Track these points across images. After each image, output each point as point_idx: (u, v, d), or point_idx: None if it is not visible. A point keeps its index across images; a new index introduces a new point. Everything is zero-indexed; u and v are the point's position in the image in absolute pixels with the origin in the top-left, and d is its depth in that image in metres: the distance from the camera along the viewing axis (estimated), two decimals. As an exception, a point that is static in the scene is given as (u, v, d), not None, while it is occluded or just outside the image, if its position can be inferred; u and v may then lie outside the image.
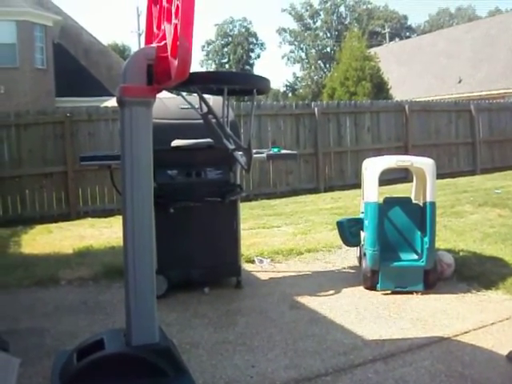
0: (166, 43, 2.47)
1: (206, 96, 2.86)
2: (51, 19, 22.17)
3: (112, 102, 11.30)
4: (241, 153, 2.83)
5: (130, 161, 2.57)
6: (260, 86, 2.79)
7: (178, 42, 2.25)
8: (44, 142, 9.39)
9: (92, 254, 6.10)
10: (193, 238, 4.56)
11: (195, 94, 2.89)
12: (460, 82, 27.21)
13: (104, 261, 5.57)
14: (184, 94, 3.39)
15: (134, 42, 70.00)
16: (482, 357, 3.26)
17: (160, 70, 2.47)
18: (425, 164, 4.59)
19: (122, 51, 42.92)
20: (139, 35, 34.39)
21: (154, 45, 2.60)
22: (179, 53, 2.23)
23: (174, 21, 2.38)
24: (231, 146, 2.78)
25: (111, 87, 21.11)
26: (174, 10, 2.41)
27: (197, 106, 2.97)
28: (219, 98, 2.96)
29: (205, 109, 2.78)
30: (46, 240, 7.24)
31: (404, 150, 12.57)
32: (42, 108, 11.79)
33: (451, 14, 60.58)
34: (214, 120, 2.76)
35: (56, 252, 6.31)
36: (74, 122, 9.55)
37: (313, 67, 54.78)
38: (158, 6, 2.77)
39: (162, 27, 2.61)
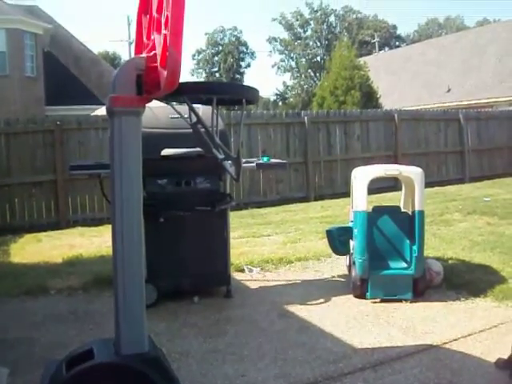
0: (155, 53, 2.47)
1: (195, 106, 2.87)
2: (41, 27, 22.15)
3: (102, 111, 11.27)
4: (230, 162, 2.84)
5: (119, 170, 2.57)
6: (249, 96, 2.81)
7: (167, 53, 2.26)
8: (34, 151, 9.36)
9: (82, 263, 6.08)
10: (182, 247, 4.56)
11: (185, 104, 2.91)
12: (449, 91, 27.43)
13: (94, 270, 5.55)
14: (173, 103, 3.40)
15: (124, 50, 70.01)
16: (470, 364, 3.28)
17: (150, 80, 2.47)
18: (413, 173, 4.62)
19: (112, 59, 42.95)
20: (129, 44, 34.42)
21: (144, 55, 2.61)
22: (168, 63, 2.24)
23: (163, 31, 2.39)
24: (220, 156, 2.79)
25: (101, 96, 21.09)
26: (163, 21, 2.43)
27: (186, 116, 2.98)
28: (209, 108, 2.97)
29: (194, 119, 2.79)
30: (35, 249, 7.20)
31: (393, 159, 12.64)
32: (32, 116, 11.75)
33: (440, 24, 61.17)
34: (203, 130, 2.77)
35: (45, 261, 6.28)
36: (64, 131, 9.53)
37: (303, 76, 55.03)
38: (147, 17, 2.78)
39: (152, 37, 2.62)
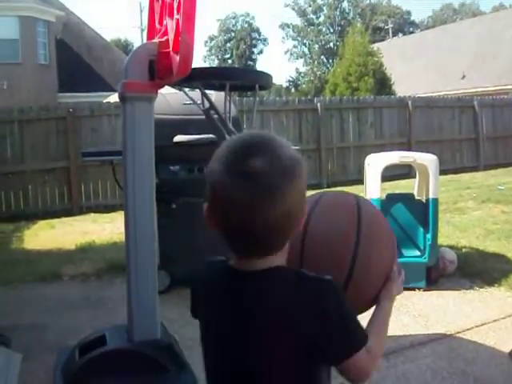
0: (167, 38, 2.46)
1: (208, 92, 2.85)
2: (54, 15, 22.16)
3: (115, 98, 11.27)
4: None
5: (131, 156, 2.56)
6: (262, 81, 2.78)
7: (179, 38, 2.24)
8: (47, 138, 9.41)
9: (94, 250, 6.11)
10: (195, 234, 4.55)
11: (198, 90, 2.89)
12: (463, 77, 27.12)
13: (106, 256, 5.58)
14: (186, 89, 3.38)
15: (136, 37, 69.94)
16: (484, 354, 3.24)
17: (162, 65, 2.46)
18: (428, 160, 4.57)
19: (124, 46, 42.92)
20: (142, 30, 34.35)
21: (156, 40, 2.59)
22: (181, 48, 2.22)
23: (175, 16, 2.37)
24: (233, 143, 2.78)
25: (114, 82, 21.08)
26: (176, 6, 2.41)
27: (199, 102, 2.96)
28: (221, 94, 2.95)
29: (207, 104, 2.77)
30: (48, 235, 7.25)
31: (407, 146, 12.53)
32: (45, 104, 11.77)
33: (455, 10, 60.35)
34: (216, 116, 2.75)
35: (58, 248, 6.33)
36: (77, 118, 9.55)
37: (316, 62, 54.64)
38: (160, 1, 2.76)
39: (164, 22, 2.59)
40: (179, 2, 2.32)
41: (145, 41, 3.01)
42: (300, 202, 1.12)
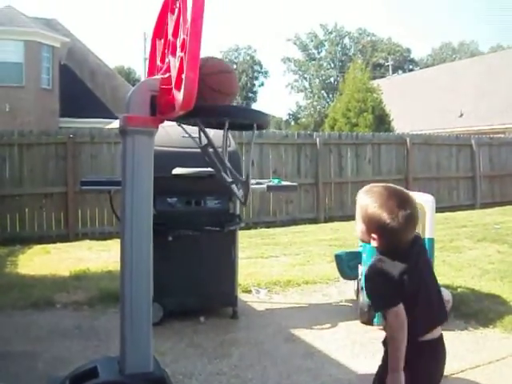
0: (170, 75, 2.50)
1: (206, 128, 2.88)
2: (59, 40, 22.48)
3: (115, 125, 11.38)
4: (238, 185, 2.84)
5: (130, 189, 2.58)
6: (261, 121, 2.82)
7: (182, 75, 2.28)
8: (46, 162, 9.43)
9: (88, 278, 6.08)
10: (190, 267, 4.54)
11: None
12: (461, 116, 27.41)
13: (100, 285, 5.55)
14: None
15: (139, 65, 70.72)
16: (477, 397, 3.22)
17: (163, 101, 2.50)
18: (424, 201, 4.59)
19: (127, 74, 43.41)
20: (145, 59, 34.74)
21: (158, 76, 2.64)
22: (185, 85, 2.26)
23: (179, 53, 2.42)
24: (229, 179, 2.79)
25: (116, 110, 21.30)
26: (179, 44, 2.46)
27: (196, 137, 2.99)
28: (220, 129, 2.98)
29: (204, 141, 2.80)
30: (43, 261, 7.22)
31: (404, 183, 12.59)
32: (46, 128, 11.89)
33: (454, 49, 61.34)
34: (213, 152, 2.78)
35: (52, 274, 6.29)
36: (77, 144, 9.59)
37: (316, 97, 55.25)
38: (162, 40, 2.81)
39: (166, 60, 2.65)
40: (183, 41, 2.37)
41: (147, 71, 3.06)
42: None
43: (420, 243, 2.19)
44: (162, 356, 3.53)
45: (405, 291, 1.98)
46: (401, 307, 1.96)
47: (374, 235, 2.06)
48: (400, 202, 2.01)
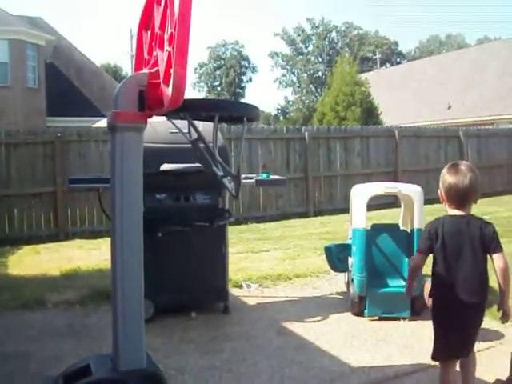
0: (158, 70, 2.48)
1: (195, 122, 2.88)
2: (44, 39, 22.30)
3: (103, 123, 11.31)
4: (229, 179, 2.85)
5: (120, 185, 2.57)
6: (251, 114, 2.82)
7: (171, 70, 2.26)
8: (34, 162, 9.37)
9: (79, 277, 6.06)
10: (180, 263, 4.54)
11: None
12: (449, 108, 27.54)
13: (91, 283, 5.54)
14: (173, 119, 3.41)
15: (126, 63, 70.35)
16: (468, 385, 3.25)
17: (152, 96, 2.48)
18: (412, 191, 4.63)
19: (114, 72, 43.13)
20: (132, 57, 34.57)
21: (146, 71, 2.62)
22: (174, 81, 2.24)
23: (166, 48, 2.40)
24: (220, 173, 2.79)
25: (103, 108, 21.19)
26: (166, 37, 2.44)
27: (186, 132, 2.99)
28: (209, 124, 2.98)
29: (194, 135, 2.79)
30: (33, 261, 7.19)
31: (393, 175, 12.66)
32: (33, 127, 11.79)
33: (441, 41, 61.57)
34: (203, 145, 2.78)
35: (43, 274, 6.27)
36: (65, 143, 9.54)
37: (304, 91, 55.27)
38: (148, 33, 2.79)
39: (154, 53, 2.62)
40: (171, 35, 2.35)
41: (134, 64, 3.02)
42: None
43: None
44: (154, 352, 3.53)
45: None
46: None
47: None
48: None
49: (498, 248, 2.71)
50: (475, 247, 2.72)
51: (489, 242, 2.72)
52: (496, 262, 2.71)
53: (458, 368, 2.92)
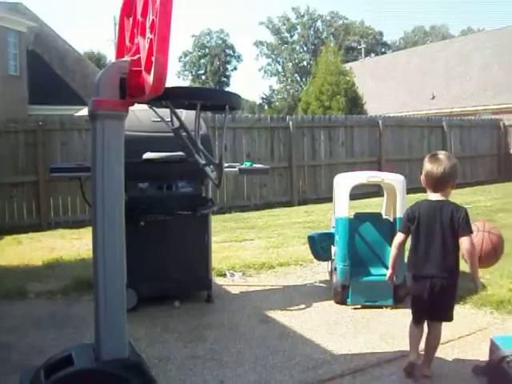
0: (139, 57, 2.46)
1: (177, 110, 2.86)
2: (25, 25, 21.94)
3: (86, 112, 11.19)
4: (212, 168, 2.84)
5: (101, 174, 2.55)
6: (233, 102, 2.80)
7: (152, 58, 2.24)
8: (15, 151, 9.25)
9: (62, 267, 6.03)
10: (163, 252, 4.53)
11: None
12: (433, 98, 27.69)
13: (73, 273, 5.51)
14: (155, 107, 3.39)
15: (110, 51, 69.65)
16: (448, 371, 3.30)
17: (133, 84, 2.46)
18: (395, 180, 4.65)
19: (97, 59, 42.65)
20: (115, 44, 34.25)
21: (128, 58, 2.59)
22: (155, 69, 2.22)
23: (148, 35, 2.38)
24: (202, 162, 2.78)
25: (86, 96, 20.94)
26: (148, 25, 2.41)
27: (168, 120, 2.97)
28: (192, 112, 2.96)
29: (176, 123, 2.78)
30: (15, 251, 7.12)
31: (377, 165, 12.73)
32: (14, 116, 11.61)
33: (426, 32, 61.74)
34: (185, 134, 2.76)
35: (25, 264, 6.22)
36: (47, 131, 9.43)
37: (289, 80, 55.21)
38: (130, 20, 2.76)
39: (136, 41, 2.60)
40: (152, 22, 2.32)
41: (116, 52, 2.99)
42: None
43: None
44: (137, 341, 3.54)
45: None
46: None
47: None
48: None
49: (465, 231, 2.99)
50: (445, 229, 3.04)
51: (458, 226, 3.00)
52: (462, 244, 2.99)
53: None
